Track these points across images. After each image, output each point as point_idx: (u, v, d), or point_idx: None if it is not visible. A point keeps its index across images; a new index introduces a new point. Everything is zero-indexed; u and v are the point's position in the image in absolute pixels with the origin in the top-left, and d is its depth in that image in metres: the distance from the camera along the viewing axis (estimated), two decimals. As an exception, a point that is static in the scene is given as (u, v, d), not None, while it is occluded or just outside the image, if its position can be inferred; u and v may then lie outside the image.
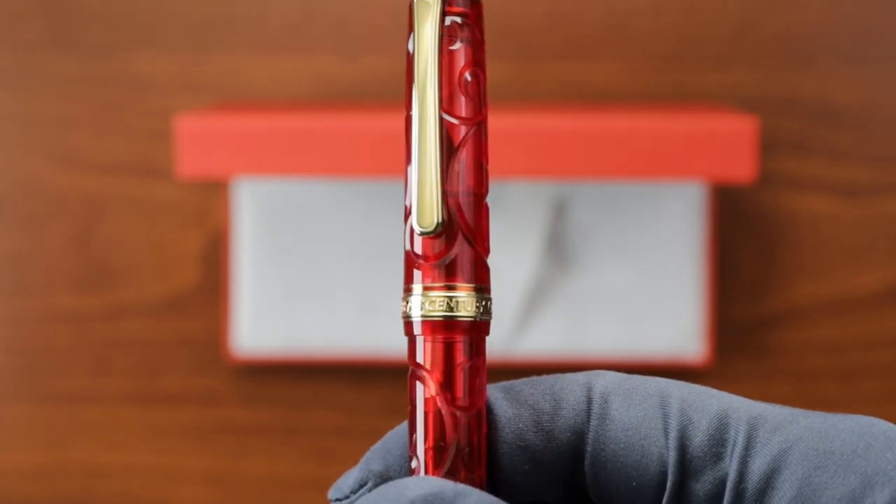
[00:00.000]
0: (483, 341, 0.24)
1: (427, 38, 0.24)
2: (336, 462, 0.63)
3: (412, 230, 0.24)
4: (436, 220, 0.24)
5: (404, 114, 0.25)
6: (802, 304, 0.62)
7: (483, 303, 0.24)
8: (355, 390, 0.62)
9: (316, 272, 0.61)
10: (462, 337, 0.24)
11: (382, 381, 0.62)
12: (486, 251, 0.25)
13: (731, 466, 0.22)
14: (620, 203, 0.60)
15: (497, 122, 0.53)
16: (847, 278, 0.62)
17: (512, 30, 0.61)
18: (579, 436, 0.23)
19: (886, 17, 0.61)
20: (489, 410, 0.24)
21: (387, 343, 0.60)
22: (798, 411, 0.23)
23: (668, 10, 0.61)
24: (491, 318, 0.24)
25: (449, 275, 0.24)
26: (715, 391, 0.24)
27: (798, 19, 0.61)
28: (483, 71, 0.25)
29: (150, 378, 0.63)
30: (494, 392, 0.24)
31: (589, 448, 0.23)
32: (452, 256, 0.24)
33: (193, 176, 0.54)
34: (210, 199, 0.62)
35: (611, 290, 0.60)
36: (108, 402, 0.63)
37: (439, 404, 0.23)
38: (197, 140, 0.53)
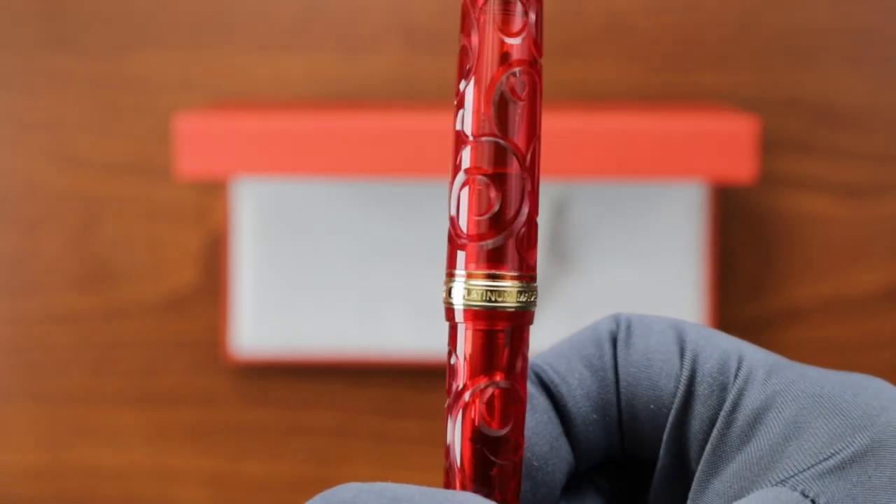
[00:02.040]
0: (526, 331, 0.24)
1: None
2: (335, 462, 0.62)
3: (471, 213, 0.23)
4: None
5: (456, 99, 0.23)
6: (802, 304, 0.62)
7: (528, 293, 0.23)
8: (355, 390, 0.62)
9: (316, 272, 0.61)
10: (504, 326, 0.23)
11: (382, 381, 0.62)
12: (536, 240, 0.24)
13: (728, 397, 0.23)
14: (620, 203, 0.60)
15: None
16: (847, 278, 0.62)
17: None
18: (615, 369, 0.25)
19: (886, 17, 0.61)
20: (544, 374, 0.24)
21: (387, 343, 0.60)
22: (796, 363, 0.24)
23: (668, 10, 0.61)
24: (535, 307, 0.24)
25: (495, 261, 0.23)
26: (724, 333, 0.25)
27: (798, 19, 0.61)
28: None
29: (150, 378, 0.63)
30: (538, 360, 0.25)
31: (620, 375, 0.24)
32: (506, 238, 0.23)
33: (193, 176, 0.54)
34: (210, 199, 0.62)
35: (611, 290, 0.60)
36: (107, 403, 0.63)
37: (478, 392, 0.23)
38: (196, 140, 0.53)
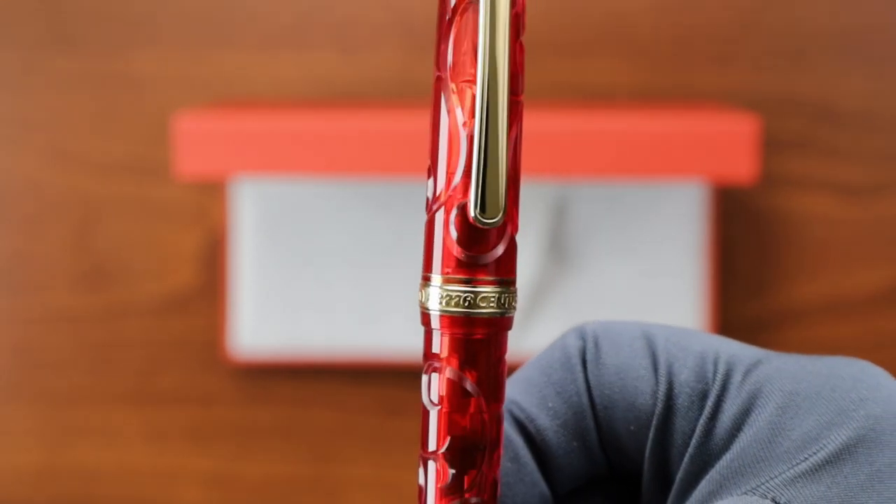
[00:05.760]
0: (504, 336, 0.23)
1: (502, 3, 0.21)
2: (335, 462, 0.62)
3: (460, 219, 0.21)
4: (502, 210, 0.21)
5: (434, 86, 0.22)
6: (802, 304, 0.62)
7: (507, 297, 0.22)
8: (355, 390, 0.62)
9: (315, 272, 0.61)
10: (483, 332, 0.22)
11: (382, 381, 0.62)
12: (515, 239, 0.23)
13: (706, 405, 0.22)
14: (620, 203, 0.60)
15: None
16: (847, 278, 0.62)
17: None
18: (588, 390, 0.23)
19: (887, 17, 0.61)
20: (516, 409, 0.23)
21: (386, 343, 0.60)
22: (774, 353, 0.23)
23: (668, 10, 0.61)
24: (514, 311, 0.23)
25: (475, 267, 0.22)
26: (693, 331, 0.23)
27: (799, 19, 0.61)
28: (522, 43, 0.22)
29: (150, 378, 0.63)
30: (510, 395, 0.24)
31: (594, 396, 0.23)
32: (500, 252, 0.22)
33: (192, 175, 0.54)
34: (209, 199, 0.62)
35: (611, 290, 0.60)
36: (107, 403, 0.63)
37: (457, 398, 0.22)
38: (196, 139, 0.53)
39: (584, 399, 0.23)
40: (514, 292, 0.22)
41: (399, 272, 0.60)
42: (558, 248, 0.60)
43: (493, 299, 0.22)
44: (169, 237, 0.62)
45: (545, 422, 0.23)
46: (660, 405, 0.22)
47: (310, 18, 0.62)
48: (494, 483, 0.22)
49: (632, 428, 0.23)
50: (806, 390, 0.22)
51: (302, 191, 0.60)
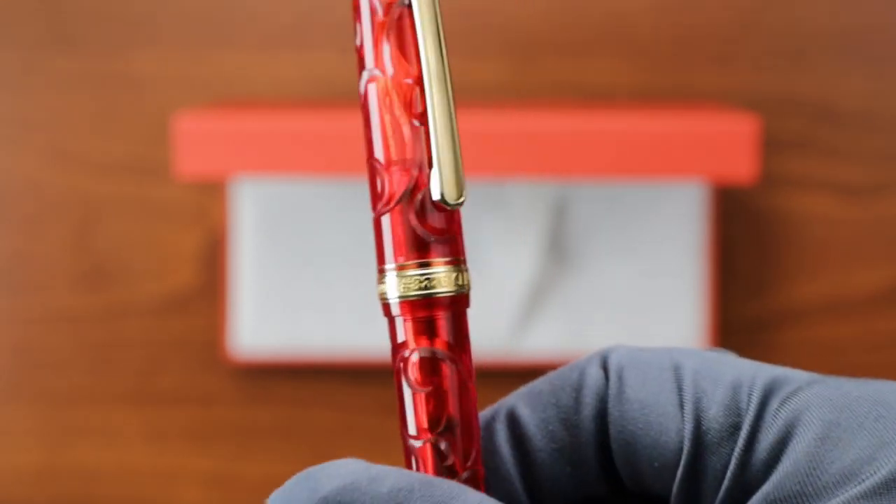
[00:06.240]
0: (464, 315, 0.23)
1: None
2: (336, 462, 0.62)
3: (425, 201, 0.22)
4: (464, 189, 0.22)
5: (362, 76, 0.23)
6: (802, 304, 0.62)
7: (460, 275, 0.23)
8: (355, 390, 0.62)
9: (315, 272, 0.61)
10: (443, 313, 0.23)
11: (382, 381, 0.62)
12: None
13: (739, 439, 0.21)
14: (620, 203, 0.60)
15: (496, 122, 0.54)
16: (847, 278, 0.62)
17: (511, 29, 0.61)
18: (604, 419, 0.23)
19: (887, 17, 0.61)
20: (516, 423, 0.23)
21: (386, 343, 0.60)
22: (815, 377, 0.22)
23: (668, 10, 0.61)
24: (469, 290, 0.23)
25: (425, 250, 0.23)
26: (730, 358, 0.22)
27: (799, 19, 0.61)
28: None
29: (150, 378, 0.63)
30: (516, 400, 0.23)
31: (612, 431, 0.23)
32: (456, 232, 0.23)
33: (192, 175, 0.54)
34: (209, 199, 0.62)
35: (611, 290, 0.60)
36: (107, 402, 0.63)
37: (421, 378, 0.23)
38: (195, 139, 0.53)
39: (590, 435, 0.23)
40: (467, 270, 0.23)
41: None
42: (558, 248, 0.60)
43: (450, 279, 0.23)
44: (169, 237, 0.62)
45: (541, 442, 0.23)
46: (687, 444, 0.22)
47: (310, 18, 0.62)
48: (478, 452, 0.23)
49: (656, 465, 0.22)
50: (847, 420, 0.20)
51: (302, 191, 0.60)
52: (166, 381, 0.63)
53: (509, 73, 0.61)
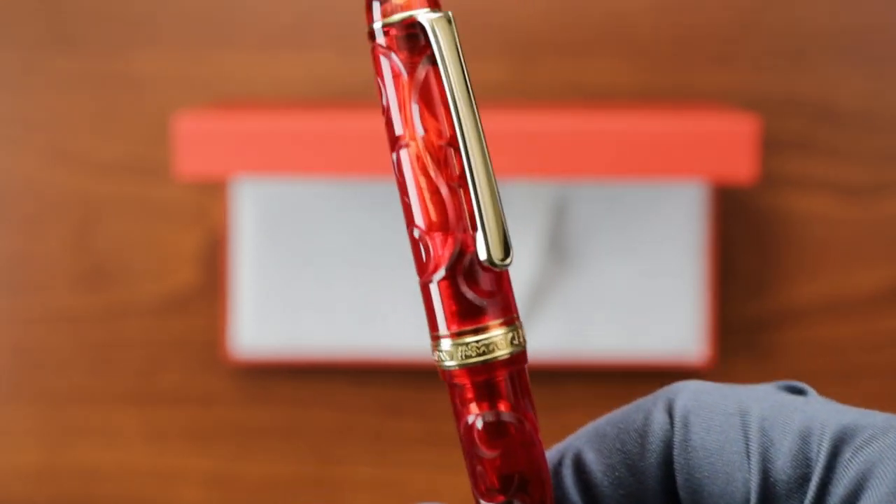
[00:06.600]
0: (524, 371, 0.23)
1: (454, 51, 0.23)
2: (335, 462, 0.62)
3: (473, 265, 0.22)
4: (511, 249, 0.22)
5: (402, 142, 0.23)
6: (802, 304, 0.62)
7: (516, 335, 0.22)
8: (355, 390, 0.62)
9: (316, 272, 0.61)
10: (503, 374, 0.22)
11: (382, 381, 0.62)
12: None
13: (809, 491, 0.21)
14: (620, 203, 0.60)
15: (496, 122, 0.54)
16: (847, 278, 0.62)
17: (512, 29, 0.61)
18: (670, 465, 0.22)
19: (887, 17, 0.61)
20: (582, 468, 0.23)
21: (386, 343, 0.60)
22: (891, 422, 0.21)
23: (668, 10, 0.61)
24: (526, 344, 0.23)
25: (479, 315, 0.22)
26: (800, 402, 0.22)
27: (799, 19, 0.61)
28: None
29: (150, 378, 0.63)
30: (581, 444, 0.23)
31: (678, 478, 0.22)
32: (507, 291, 0.22)
33: (192, 175, 0.54)
34: (209, 199, 0.62)
35: (611, 290, 0.60)
36: (107, 402, 0.63)
37: (488, 437, 0.22)
38: (196, 139, 0.53)
39: (655, 482, 0.22)
40: (521, 326, 0.23)
41: (399, 272, 0.60)
42: (558, 248, 0.60)
43: (506, 340, 0.22)
44: (169, 237, 0.62)
45: (608, 489, 0.23)
46: (754, 496, 0.21)
47: (310, 18, 0.62)
48: (551, 501, 0.23)
49: None
50: None
51: (302, 191, 0.60)
52: (166, 381, 0.63)
53: (509, 73, 0.61)
